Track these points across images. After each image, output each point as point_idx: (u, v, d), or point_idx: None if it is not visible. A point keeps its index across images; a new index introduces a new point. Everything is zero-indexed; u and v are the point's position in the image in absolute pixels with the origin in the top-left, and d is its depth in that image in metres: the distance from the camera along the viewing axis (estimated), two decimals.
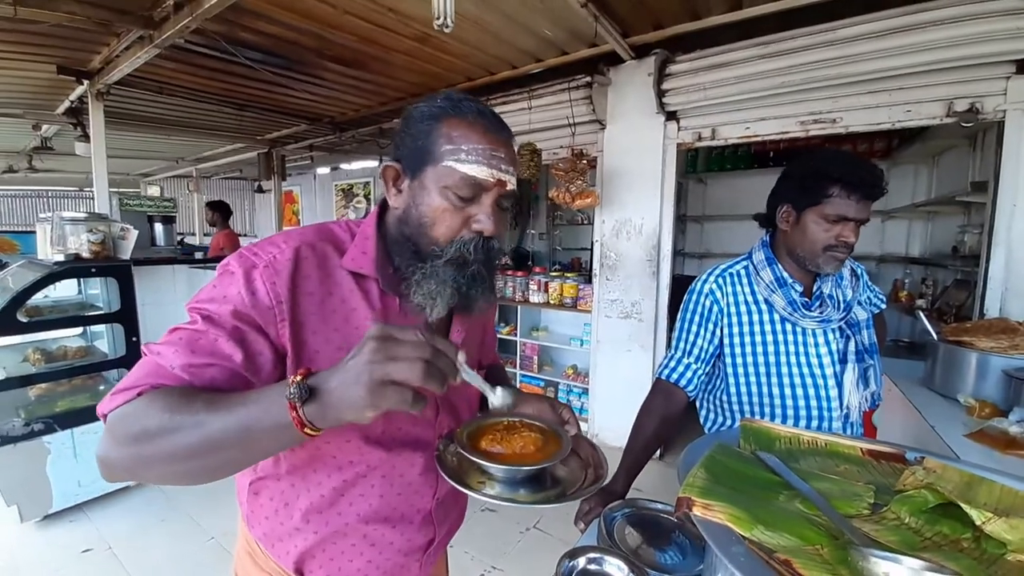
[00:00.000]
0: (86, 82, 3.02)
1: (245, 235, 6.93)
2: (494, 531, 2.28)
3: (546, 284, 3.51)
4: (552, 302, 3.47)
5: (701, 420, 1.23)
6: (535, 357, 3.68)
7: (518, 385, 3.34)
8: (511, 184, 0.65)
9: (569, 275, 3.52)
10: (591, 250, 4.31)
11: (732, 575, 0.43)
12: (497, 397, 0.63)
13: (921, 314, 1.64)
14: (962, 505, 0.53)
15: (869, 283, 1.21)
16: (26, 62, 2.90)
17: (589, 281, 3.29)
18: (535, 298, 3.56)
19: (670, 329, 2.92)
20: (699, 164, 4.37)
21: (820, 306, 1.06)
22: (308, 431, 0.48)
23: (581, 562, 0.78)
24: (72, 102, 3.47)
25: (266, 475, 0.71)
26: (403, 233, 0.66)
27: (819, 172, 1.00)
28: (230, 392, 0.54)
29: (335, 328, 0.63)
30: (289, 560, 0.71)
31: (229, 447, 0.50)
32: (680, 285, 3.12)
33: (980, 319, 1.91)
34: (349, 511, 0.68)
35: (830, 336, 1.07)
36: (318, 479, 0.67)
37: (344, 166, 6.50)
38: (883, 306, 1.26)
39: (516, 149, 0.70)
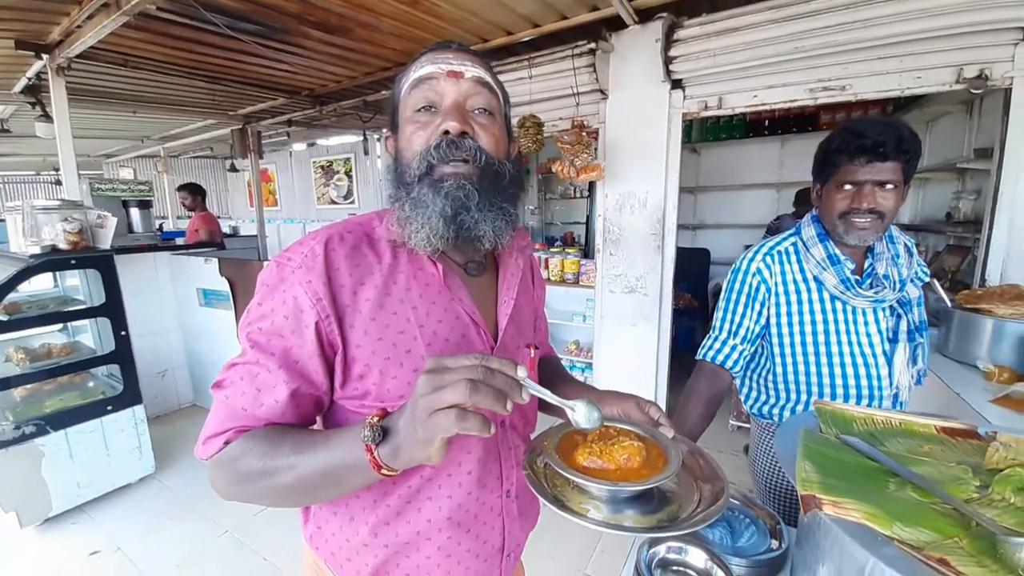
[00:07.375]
0: (46, 56, 2.74)
1: (220, 217, 6.61)
2: None
3: (546, 260, 3.46)
4: (553, 278, 3.43)
5: (743, 399, 1.24)
6: None
7: None
8: (468, 72, 0.62)
9: (570, 251, 3.47)
10: (586, 224, 4.26)
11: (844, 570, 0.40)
12: (580, 415, 0.53)
13: (935, 282, 1.67)
14: None
15: (917, 257, 1.20)
16: None
17: (588, 256, 3.25)
18: None
19: (673, 303, 2.93)
20: (693, 134, 4.32)
21: (872, 284, 1.05)
22: (385, 472, 0.50)
23: (661, 550, 0.78)
24: (30, 79, 3.16)
25: None
26: (399, 182, 0.65)
27: (826, 145, 1.04)
28: (312, 431, 0.59)
29: (371, 318, 0.61)
30: None
31: (323, 485, 0.55)
32: (680, 258, 3.14)
33: (984, 286, 1.96)
34: (418, 518, 0.65)
35: (880, 315, 1.07)
36: (383, 487, 0.63)
37: (322, 142, 6.22)
38: (926, 278, 1.26)
39: (489, 74, 0.66)
